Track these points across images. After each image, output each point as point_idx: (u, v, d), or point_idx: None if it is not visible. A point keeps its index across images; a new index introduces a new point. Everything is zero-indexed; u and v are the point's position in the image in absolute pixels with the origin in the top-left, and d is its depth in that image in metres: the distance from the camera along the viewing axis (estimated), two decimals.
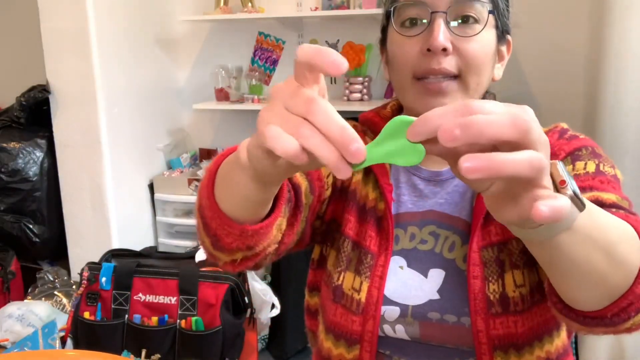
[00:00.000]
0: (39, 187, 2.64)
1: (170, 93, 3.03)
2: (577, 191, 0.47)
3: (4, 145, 2.61)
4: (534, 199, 0.42)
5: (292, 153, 0.42)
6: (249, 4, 2.76)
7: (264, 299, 1.56)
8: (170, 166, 3.00)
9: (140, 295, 1.41)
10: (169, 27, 2.95)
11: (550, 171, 0.46)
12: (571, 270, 0.54)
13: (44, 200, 2.65)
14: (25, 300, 1.82)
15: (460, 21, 0.78)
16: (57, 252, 2.74)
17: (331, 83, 2.88)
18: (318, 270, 0.94)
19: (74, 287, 1.99)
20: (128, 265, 1.45)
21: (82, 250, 2.62)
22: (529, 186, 0.42)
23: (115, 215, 2.60)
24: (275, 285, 2.36)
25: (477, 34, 0.77)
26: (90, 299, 1.41)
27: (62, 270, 2.27)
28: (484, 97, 0.86)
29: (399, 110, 0.92)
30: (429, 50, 0.77)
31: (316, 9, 2.70)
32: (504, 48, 0.86)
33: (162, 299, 1.41)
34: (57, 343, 1.39)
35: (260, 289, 1.56)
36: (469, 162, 0.39)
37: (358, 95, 2.72)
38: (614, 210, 0.66)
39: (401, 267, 0.84)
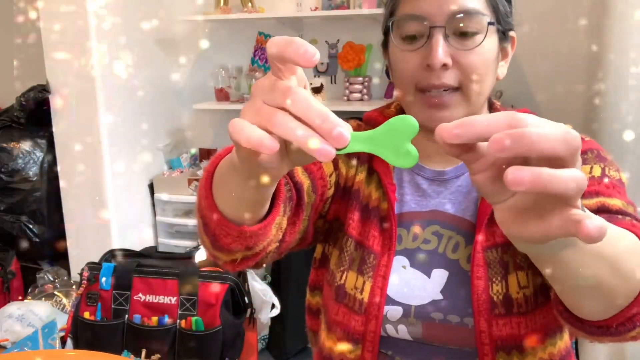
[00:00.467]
0: (39, 187, 2.64)
1: (170, 93, 3.02)
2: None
3: (4, 145, 2.61)
4: (567, 218, 0.40)
5: (255, 142, 0.42)
6: (249, 4, 2.76)
7: (264, 299, 1.56)
8: (170, 166, 2.99)
9: (140, 295, 1.41)
10: (169, 27, 2.95)
11: None
12: (577, 283, 0.54)
13: (44, 200, 2.65)
14: (25, 300, 1.82)
15: (459, 33, 0.77)
16: (57, 252, 2.73)
17: (331, 83, 2.88)
18: (320, 269, 0.93)
19: (74, 287, 1.99)
20: (128, 265, 1.45)
21: (82, 250, 2.61)
22: (563, 204, 0.41)
23: (115, 215, 2.60)
24: (275, 285, 2.35)
25: (478, 45, 0.77)
26: (90, 299, 1.41)
27: (62, 270, 2.27)
28: (489, 98, 0.86)
29: (403, 110, 0.92)
30: (428, 65, 0.76)
31: (316, 9, 2.70)
32: (507, 46, 0.85)
33: (162, 299, 1.41)
34: (57, 343, 1.39)
35: (260, 289, 1.56)
36: (517, 174, 0.37)
37: (358, 95, 2.72)
38: (619, 217, 0.66)
39: (404, 267, 0.83)
